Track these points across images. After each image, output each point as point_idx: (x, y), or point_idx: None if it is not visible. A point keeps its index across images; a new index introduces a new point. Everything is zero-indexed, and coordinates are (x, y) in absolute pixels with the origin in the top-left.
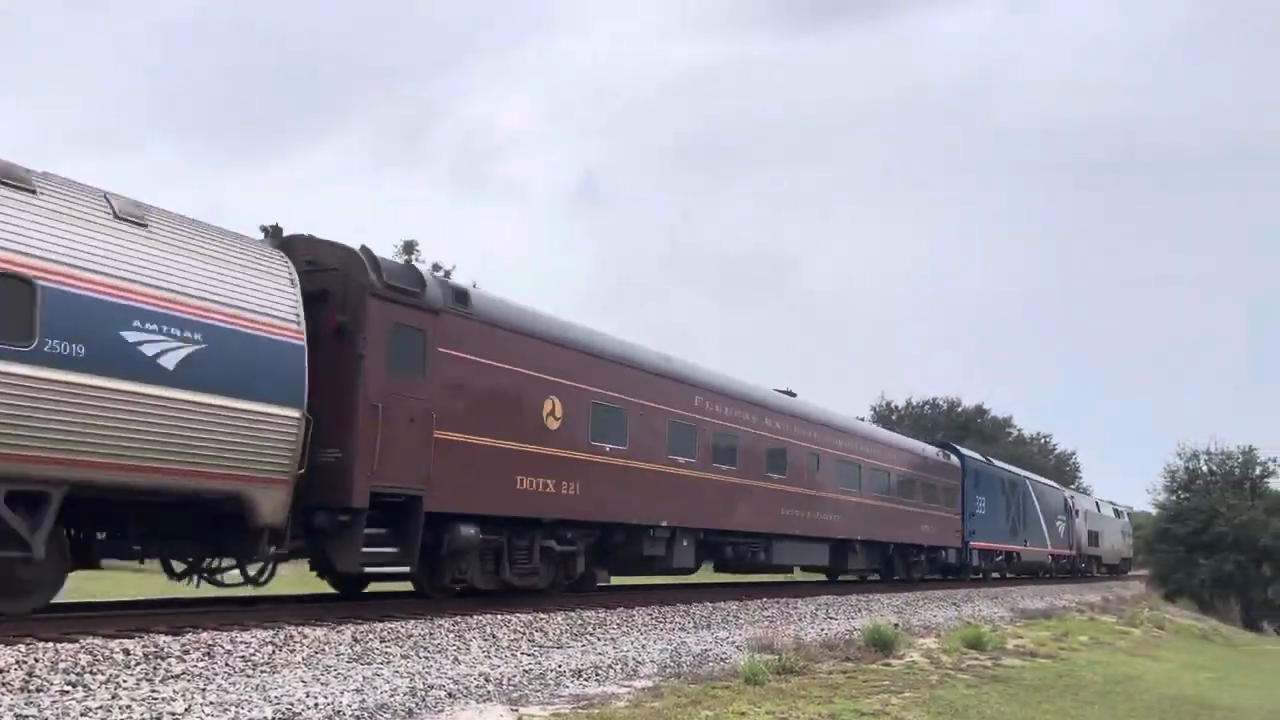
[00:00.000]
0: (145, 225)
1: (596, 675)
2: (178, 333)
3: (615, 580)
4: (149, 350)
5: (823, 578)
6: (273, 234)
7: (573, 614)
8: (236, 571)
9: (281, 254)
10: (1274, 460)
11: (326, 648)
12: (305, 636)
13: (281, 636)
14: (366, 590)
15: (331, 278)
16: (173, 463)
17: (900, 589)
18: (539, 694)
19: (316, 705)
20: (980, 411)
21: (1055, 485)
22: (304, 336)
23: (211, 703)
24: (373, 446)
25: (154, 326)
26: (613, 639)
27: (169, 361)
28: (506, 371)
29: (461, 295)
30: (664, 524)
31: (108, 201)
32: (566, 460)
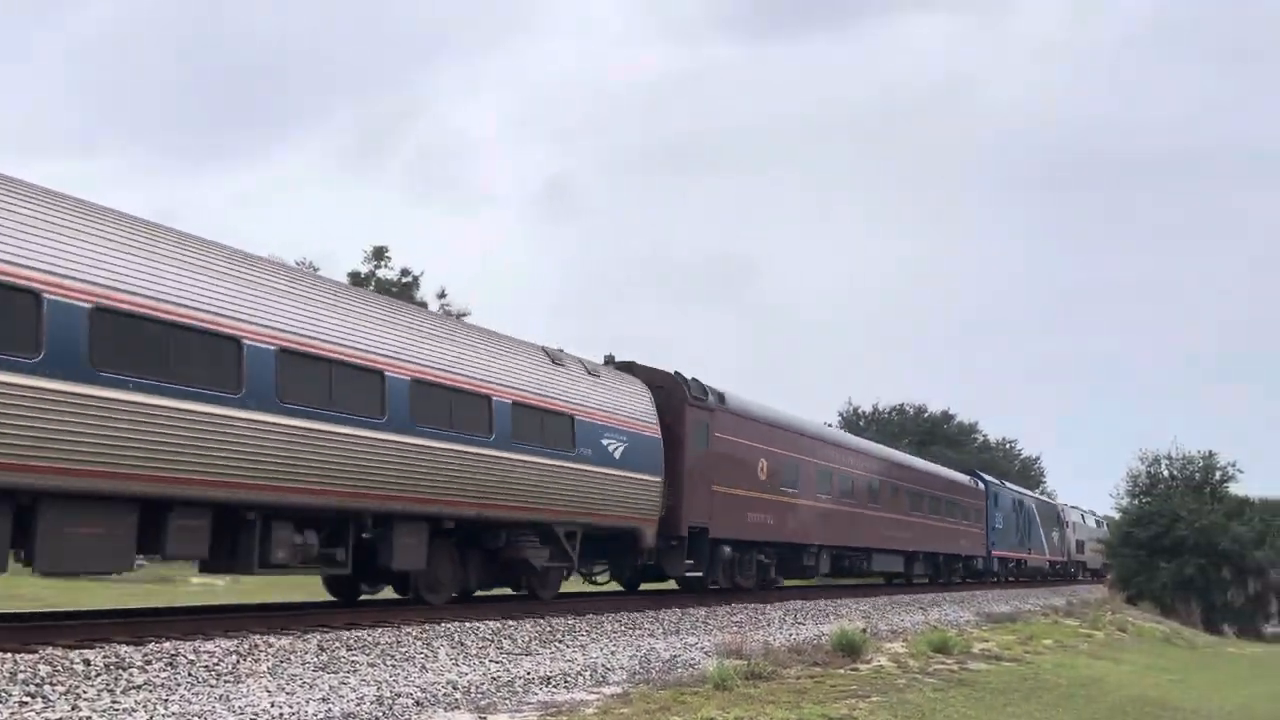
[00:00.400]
0: (563, 365)
1: (565, 682)
2: (621, 437)
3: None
4: (611, 449)
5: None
6: (609, 361)
7: (541, 621)
8: (607, 574)
9: (640, 380)
10: (1233, 465)
11: (292, 656)
12: (270, 645)
13: (246, 645)
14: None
15: (660, 394)
16: (618, 511)
17: (871, 593)
18: (507, 701)
19: (281, 715)
20: (947, 417)
21: (1051, 501)
22: (659, 433)
23: (174, 713)
24: (688, 498)
25: (611, 435)
26: (582, 645)
27: (618, 454)
28: (743, 445)
29: (721, 397)
30: (814, 544)
31: (545, 354)
32: (770, 501)
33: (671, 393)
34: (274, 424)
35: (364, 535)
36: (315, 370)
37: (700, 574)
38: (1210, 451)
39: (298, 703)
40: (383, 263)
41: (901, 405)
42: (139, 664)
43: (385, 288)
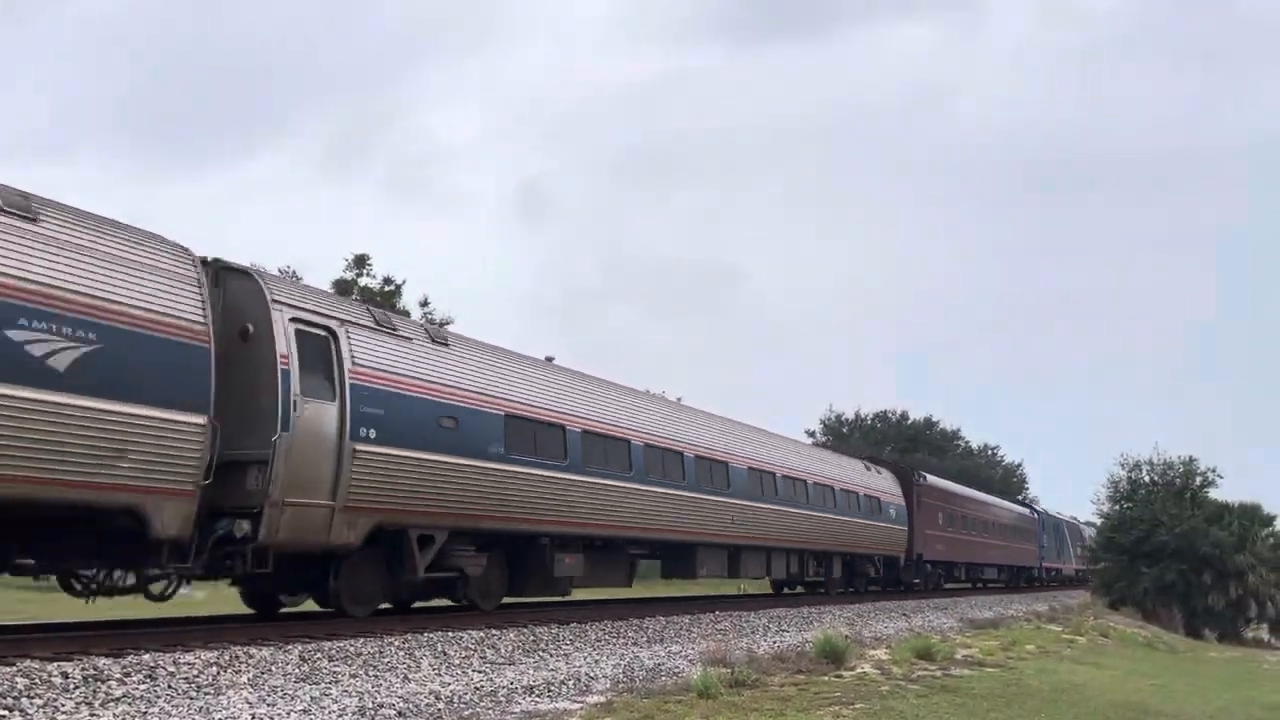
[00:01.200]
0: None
1: (549, 691)
2: (889, 506)
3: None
4: (886, 509)
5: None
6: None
7: (525, 630)
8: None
9: (891, 473)
10: (1213, 470)
11: (273, 668)
12: (251, 656)
13: (226, 657)
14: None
15: (903, 476)
16: (887, 546)
17: (853, 600)
18: (490, 711)
19: None
20: (929, 424)
21: (1072, 519)
22: (903, 500)
23: None
24: (915, 537)
25: (884, 504)
26: (565, 654)
27: (891, 512)
28: (937, 505)
29: (924, 476)
30: (980, 563)
31: (864, 465)
32: (955, 538)
33: (906, 477)
34: (583, 480)
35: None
36: (608, 444)
37: (919, 580)
38: (1190, 457)
39: (278, 714)
40: (364, 271)
41: (884, 413)
42: (118, 676)
43: (368, 296)
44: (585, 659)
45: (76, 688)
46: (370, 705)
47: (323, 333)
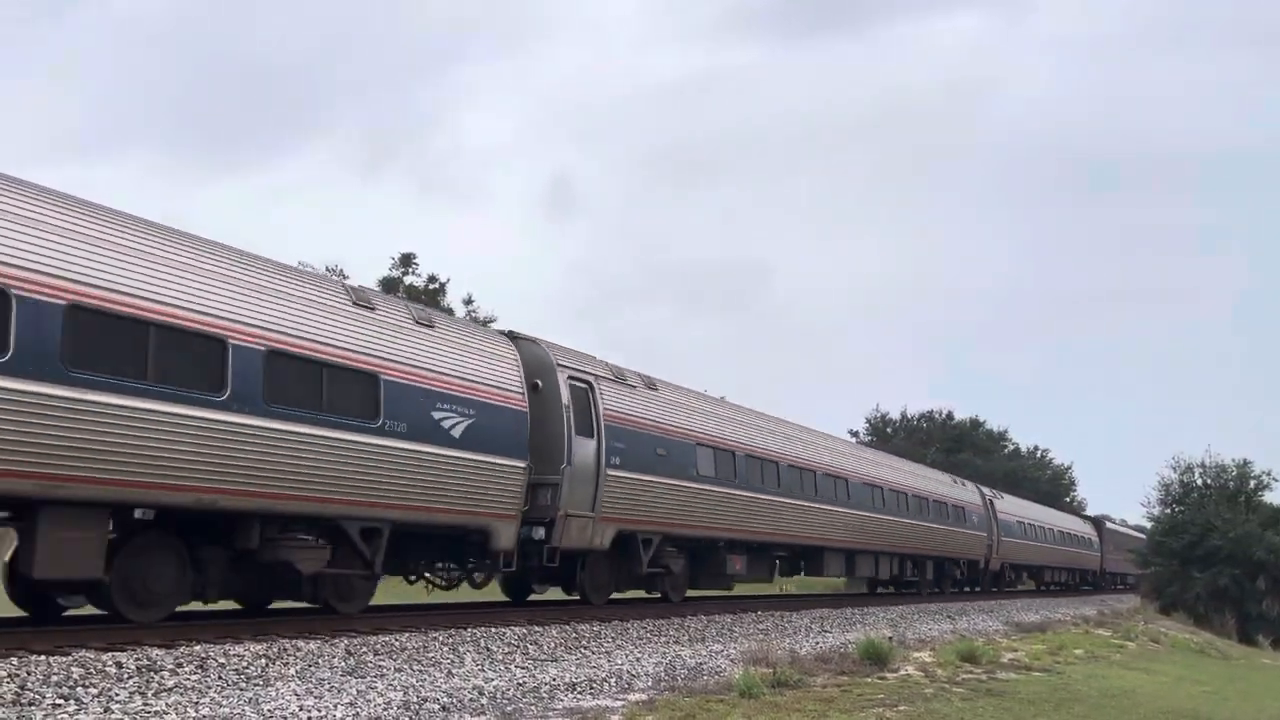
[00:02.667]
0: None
1: (591, 688)
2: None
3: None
4: (964, 513)
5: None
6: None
7: (567, 627)
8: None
9: (973, 485)
10: (1268, 474)
11: (320, 660)
12: (299, 649)
13: (275, 649)
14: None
15: (983, 491)
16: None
17: (898, 602)
18: (533, 707)
19: (310, 719)
20: (975, 424)
21: (1129, 529)
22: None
23: (204, 716)
24: (996, 548)
25: (962, 508)
26: (607, 652)
27: (970, 518)
28: (1018, 520)
29: (1000, 493)
30: (1054, 565)
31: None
32: (1025, 544)
33: (984, 492)
34: (748, 495)
35: None
36: (763, 465)
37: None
38: (1245, 460)
39: (325, 706)
40: (410, 270)
41: (930, 412)
42: (170, 667)
43: (414, 294)
44: (627, 657)
45: (130, 677)
46: (415, 699)
47: (585, 385)
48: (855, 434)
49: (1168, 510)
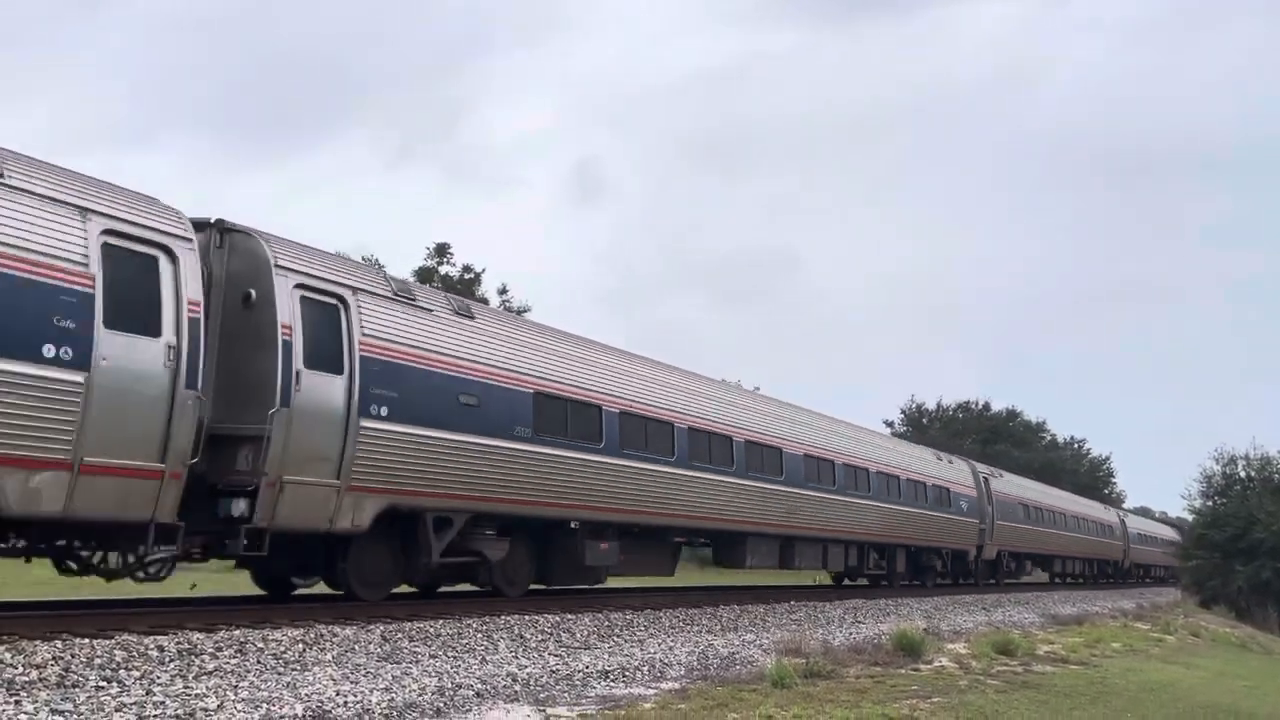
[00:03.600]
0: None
1: (624, 677)
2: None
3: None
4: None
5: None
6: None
7: (600, 615)
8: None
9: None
10: None
11: (356, 646)
12: (335, 635)
13: (312, 635)
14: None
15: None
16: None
17: (930, 593)
18: (566, 695)
19: (346, 703)
20: (1012, 415)
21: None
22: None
23: (243, 699)
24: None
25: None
26: (640, 641)
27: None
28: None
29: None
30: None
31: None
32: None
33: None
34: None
35: None
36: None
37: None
38: None
39: (362, 691)
40: (445, 260)
41: (966, 403)
42: (210, 651)
43: (449, 284)
44: (660, 646)
45: (171, 660)
46: (449, 685)
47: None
48: (890, 424)
49: (1209, 502)
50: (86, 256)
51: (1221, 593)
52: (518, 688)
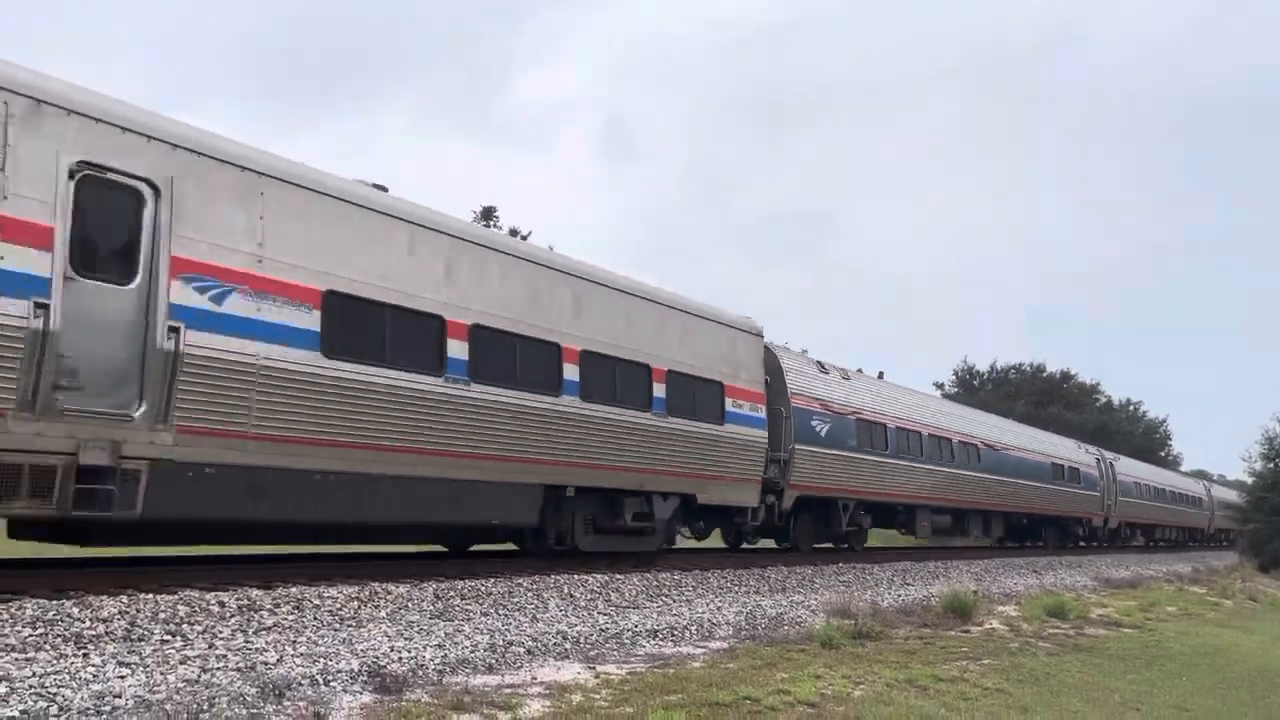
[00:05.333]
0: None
1: (672, 636)
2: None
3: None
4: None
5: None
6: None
7: (648, 575)
8: None
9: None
10: None
11: (410, 604)
12: (389, 592)
13: (367, 592)
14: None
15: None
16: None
17: (982, 555)
18: (615, 653)
19: (400, 659)
20: (1066, 377)
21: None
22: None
23: (301, 654)
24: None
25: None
26: (688, 601)
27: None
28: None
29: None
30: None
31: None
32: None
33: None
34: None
35: None
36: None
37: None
38: None
39: (415, 648)
40: (491, 223)
41: (1019, 365)
42: (269, 607)
43: None
44: (707, 606)
45: (232, 616)
46: (500, 643)
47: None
48: (941, 386)
49: (1270, 465)
50: None
51: None
52: (568, 645)
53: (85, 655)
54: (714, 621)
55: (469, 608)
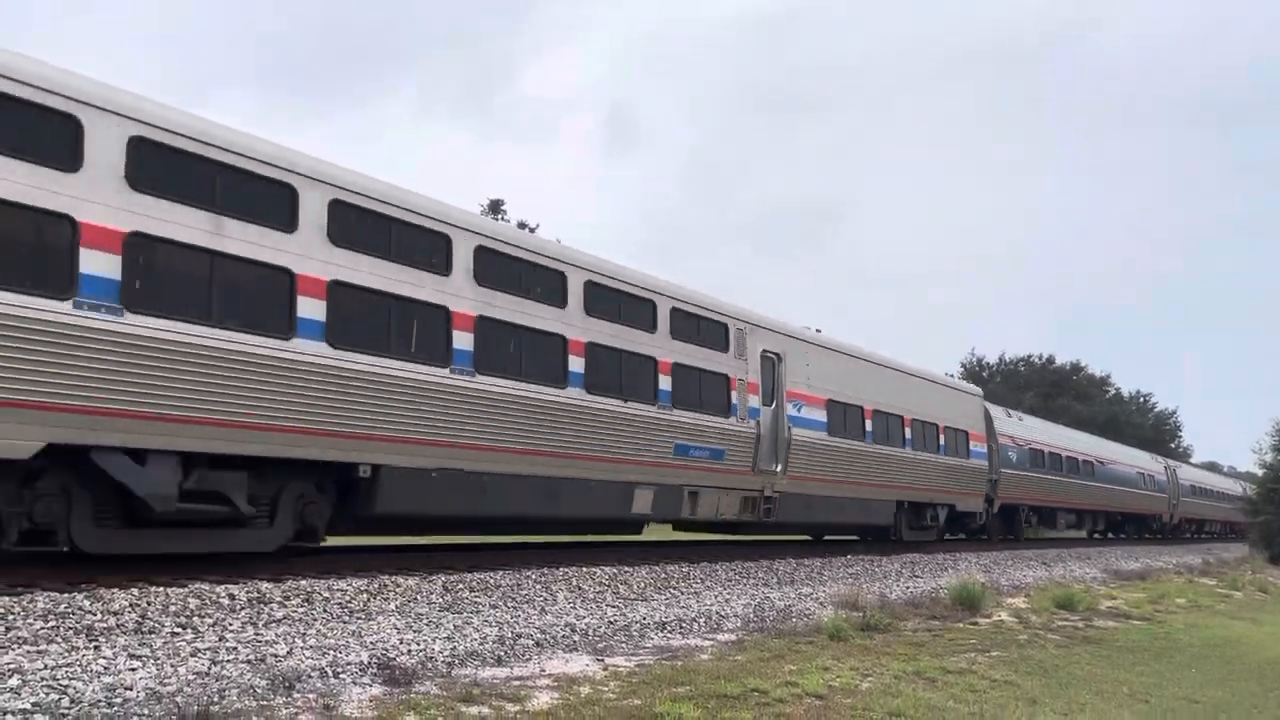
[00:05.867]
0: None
1: (680, 628)
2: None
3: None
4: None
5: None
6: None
7: (656, 568)
8: None
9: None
10: None
11: (419, 596)
12: (398, 585)
13: (376, 585)
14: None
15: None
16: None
17: (990, 548)
18: (624, 645)
19: (409, 651)
20: (1076, 369)
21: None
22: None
23: (311, 646)
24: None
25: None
26: (696, 593)
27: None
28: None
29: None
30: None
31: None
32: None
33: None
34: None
35: None
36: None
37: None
38: None
39: (424, 640)
40: (499, 215)
41: (1028, 357)
42: (279, 599)
43: None
44: (715, 598)
45: (242, 609)
46: (509, 635)
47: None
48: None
49: None
50: None
51: None
52: (576, 637)
53: (96, 648)
54: (722, 614)
55: (478, 600)
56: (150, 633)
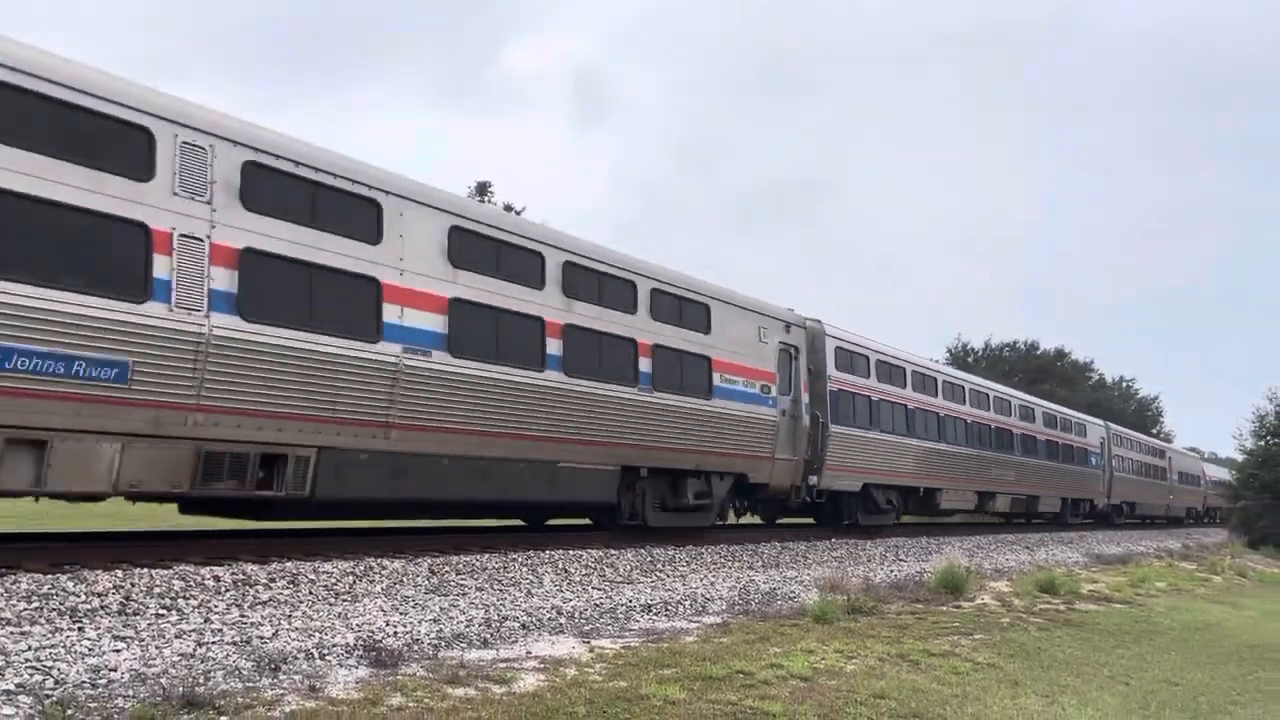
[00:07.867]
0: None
1: (666, 611)
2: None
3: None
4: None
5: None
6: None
7: (642, 551)
8: None
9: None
10: None
11: (405, 579)
12: (384, 568)
13: (362, 567)
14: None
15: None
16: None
17: (975, 532)
18: (610, 627)
19: (395, 633)
20: (1060, 354)
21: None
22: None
23: (297, 628)
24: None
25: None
26: (682, 576)
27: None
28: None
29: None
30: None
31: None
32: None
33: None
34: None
35: None
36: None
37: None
38: None
39: (410, 622)
40: (486, 198)
41: (1013, 342)
42: (264, 581)
43: None
44: (701, 581)
45: (228, 590)
46: (495, 617)
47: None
48: (935, 362)
49: (1261, 442)
50: None
51: (1270, 533)
52: (562, 620)
53: (81, 629)
54: (708, 596)
55: (464, 583)
56: (135, 614)
